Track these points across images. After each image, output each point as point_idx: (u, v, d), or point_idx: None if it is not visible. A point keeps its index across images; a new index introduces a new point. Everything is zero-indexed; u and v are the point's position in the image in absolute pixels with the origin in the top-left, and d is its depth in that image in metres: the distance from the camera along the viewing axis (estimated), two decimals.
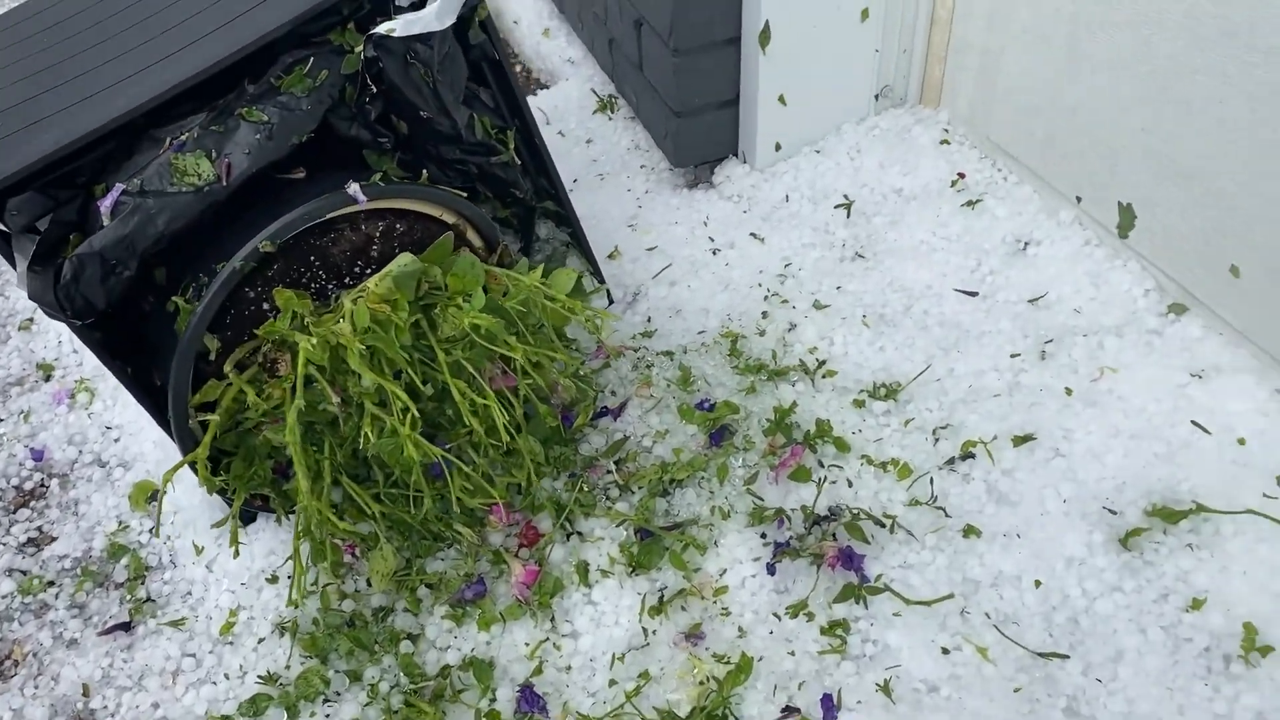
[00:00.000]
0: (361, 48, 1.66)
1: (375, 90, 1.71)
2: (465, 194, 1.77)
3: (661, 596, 1.71)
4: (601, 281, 2.19)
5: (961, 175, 2.34)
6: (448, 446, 1.76)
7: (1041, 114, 2.16)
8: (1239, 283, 1.82)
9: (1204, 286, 1.90)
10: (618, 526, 1.80)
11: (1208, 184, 1.81)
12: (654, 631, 1.68)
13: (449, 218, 1.77)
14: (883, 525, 1.75)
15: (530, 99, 2.98)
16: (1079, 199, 2.14)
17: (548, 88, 3.09)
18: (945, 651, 1.59)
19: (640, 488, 1.85)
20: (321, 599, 1.79)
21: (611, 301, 2.23)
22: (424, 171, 1.76)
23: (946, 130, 2.46)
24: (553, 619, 1.72)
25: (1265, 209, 1.72)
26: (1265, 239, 1.74)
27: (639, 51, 2.59)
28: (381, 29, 1.64)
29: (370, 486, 1.79)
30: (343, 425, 1.69)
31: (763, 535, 1.77)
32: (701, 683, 1.60)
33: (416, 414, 1.62)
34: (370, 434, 1.62)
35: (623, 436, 1.93)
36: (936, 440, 1.87)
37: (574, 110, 2.91)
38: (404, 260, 1.62)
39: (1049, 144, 2.17)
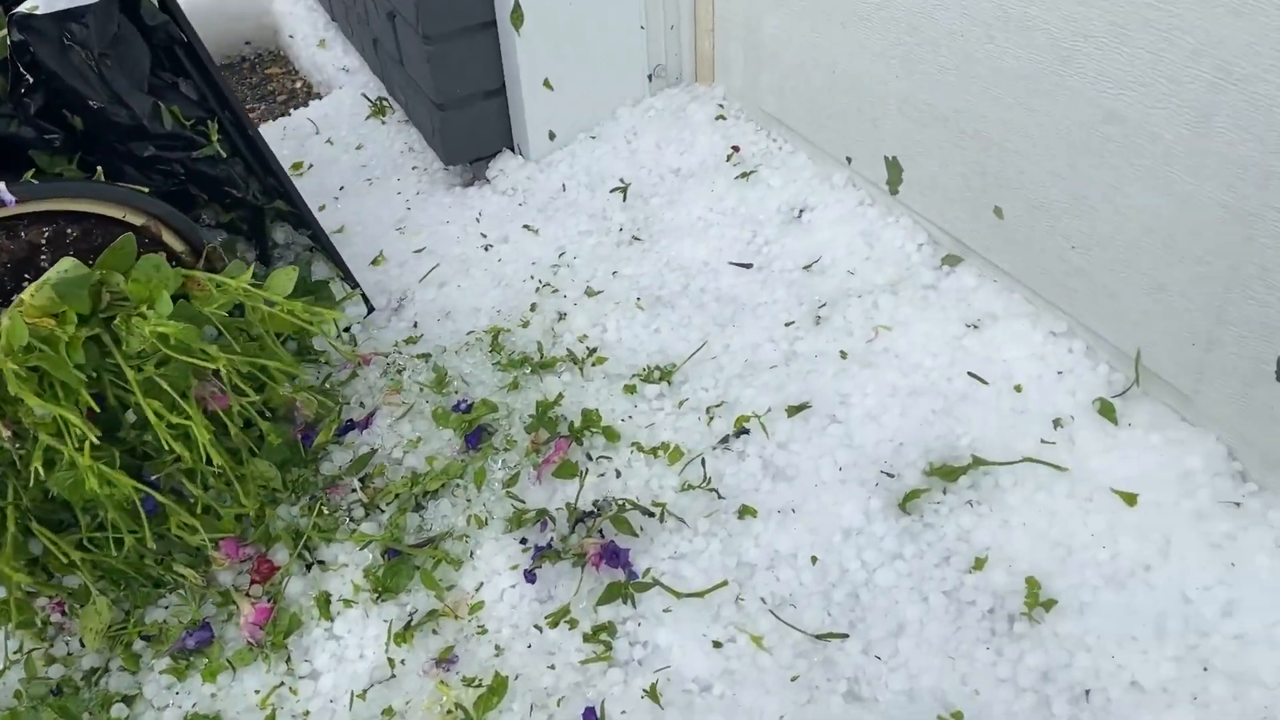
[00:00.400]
0: (5, 31, 1.45)
1: (32, 80, 1.50)
2: (149, 191, 1.56)
3: (410, 621, 1.52)
4: (354, 286, 2.00)
5: (736, 149, 2.24)
6: (154, 478, 1.54)
7: (804, 77, 2.07)
8: (1004, 225, 1.74)
9: (973, 234, 1.82)
10: (363, 549, 1.61)
11: (962, 125, 1.74)
12: (402, 661, 1.49)
13: (135, 219, 1.56)
14: (652, 515, 1.60)
15: (302, 110, 2.79)
16: (849, 160, 2.05)
17: (321, 98, 2.90)
18: (718, 645, 1.45)
19: (389, 504, 1.66)
20: (26, 667, 1.55)
21: (372, 309, 2.05)
22: (98, 169, 1.56)
23: (722, 105, 2.36)
24: (289, 660, 1.51)
25: (1015, 142, 1.64)
26: (1019, 174, 1.66)
27: (397, 46, 2.43)
28: (24, 7, 1.44)
29: (74, 532, 1.56)
30: (20, 464, 1.47)
31: (523, 541, 1.60)
32: (449, 711, 1.42)
33: (95, 440, 1.40)
34: (41, 469, 1.40)
35: (370, 450, 1.74)
36: (711, 419, 1.74)
37: (346, 118, 2.73)
38: (64, 266, 1.41)
39: (815, 107, 2.08)
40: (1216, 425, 1.50)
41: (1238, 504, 1.44)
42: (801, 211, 2.08)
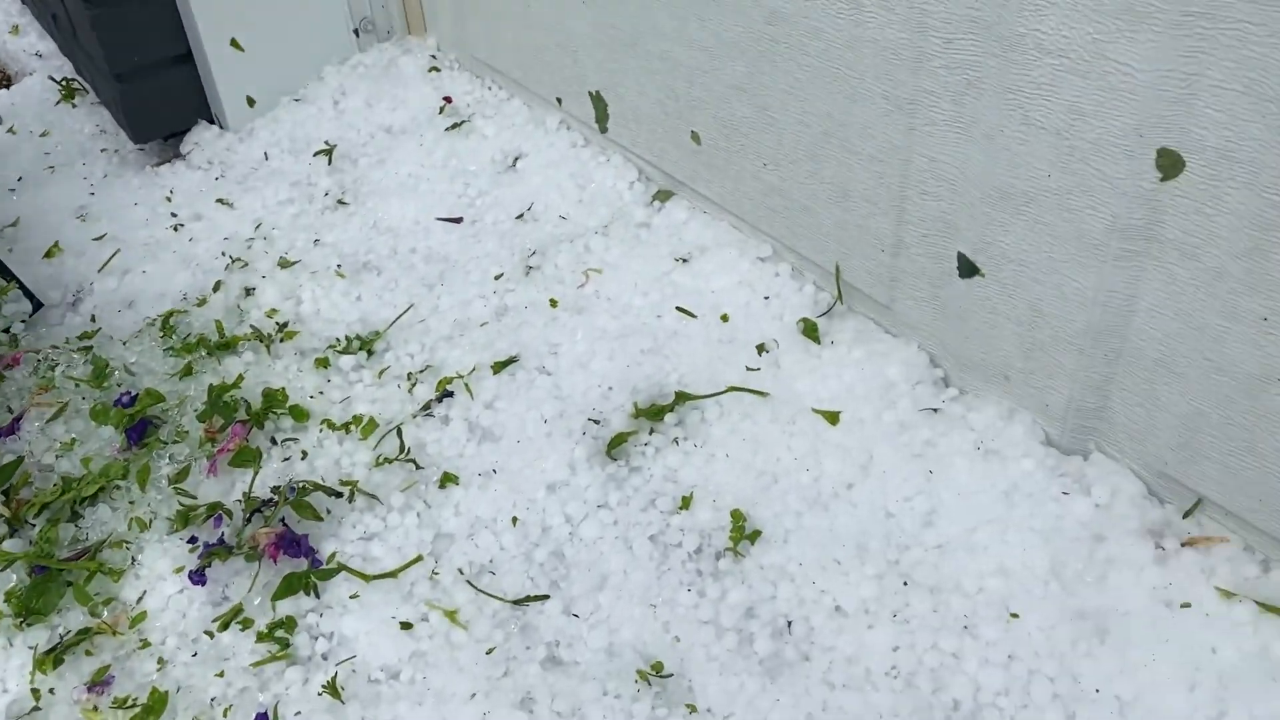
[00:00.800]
0: None
1: None
2: None
3: (58, 645, 1.33)
4: (9, 279, 1.77)
5: (449, 100, 2.10)
6: None
7: (508, 19, 1.94)
8: (703, 150, 1.65)
9: (678, 164, 1.73)
10: (6, 570, 1.40)
11: (648, 47, 1.64)
12: (50, 690, 1.30)
13: None
14: (340, 495, 1.45)
15: None
16: (560, 100, 1.94)
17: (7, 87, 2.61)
18: (407, 626, 1.31)
19: (37, 516, 1.46)
20: None
21: (39, 305, 1.82)
22: None
23: (435, 57, 2.21)
24: None
25: (696, 58, 1.55)
26: (705, 92, 1.57)
27: (68, 16, 2.18)
28: None
29: None
30: None
31: (192, 540, 1.42)
32: None
33: None
34: None
35: (15, 458, 1.52)
36: (414, 385, 1.60)
37: (34, 104, 2.45)
38: None
39: (520, 49, 1.95)
40: (915, 332, 1.45)
41: (935, 410, 1.38)
42: (516, 159, 1.95)
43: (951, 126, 1.23)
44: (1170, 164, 1.03)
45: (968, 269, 1.31)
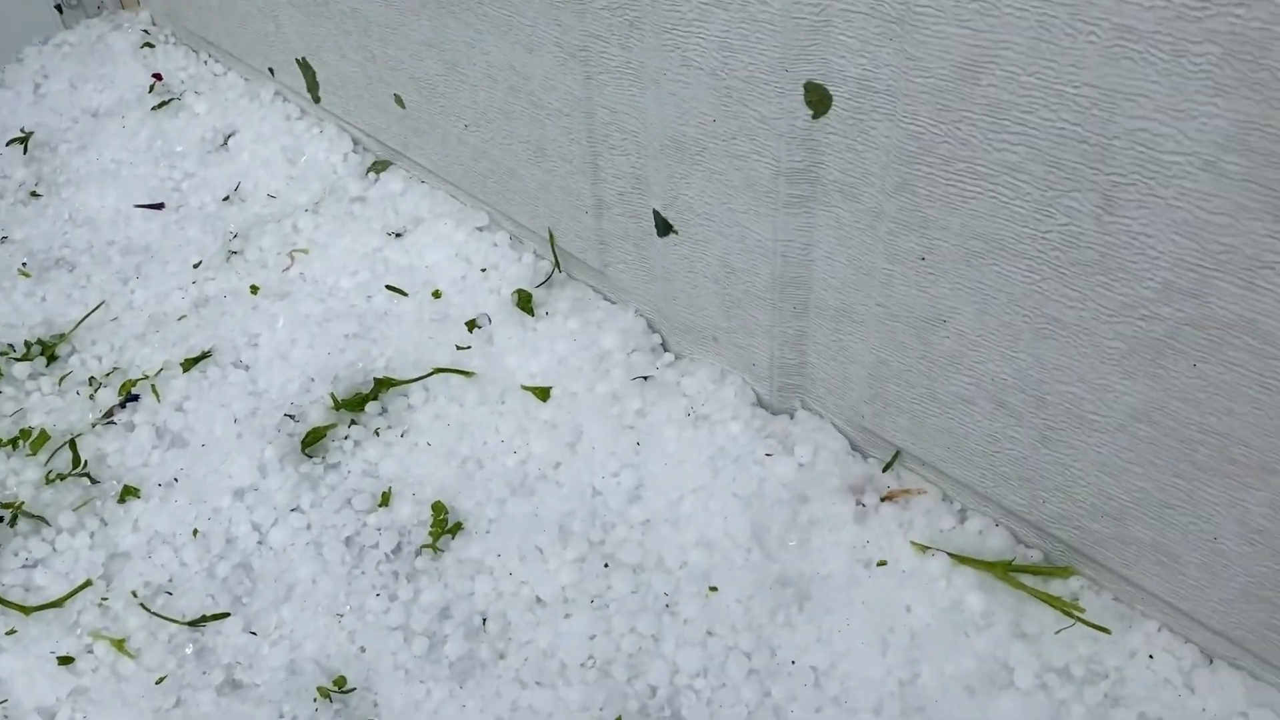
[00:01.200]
0: None
1: None
2: None
3: None
4: None
5: (159, 77, 1.92)
6: None
7: None
8: (408, 114, 1.53)
9: (388, 131, 1.60)
10: None
11: (340, 6, 1.50)
12: None
13: None
14: (0, 520, 1.28)
15: None
16: (272, 71, 1.79)
17: None
18: (67, 661, 1.16)
19: None
20: None
21: None
22: None
23: (148, 32, 2.03)
24: None
25: (384, 14, 1.43)
26: (399, 51, 1.45)
27: None
28: None
29: None
30: None
31: None
32: None
33: None
34: None
35: None
36: (96, 391, 1.43)
37: None
38: None
39: (227, 17, 1.79)
40: (631, 297, 1.37)
41: (648, 378, 1.31)
42: (229, 136, 1.79)
43: (624, 73, 1.14)
44: (819, 99, 0.96)
45: (663, 226, 1.23)
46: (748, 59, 0.99)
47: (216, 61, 1.93)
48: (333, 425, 1.34)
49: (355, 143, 1.69)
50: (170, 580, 1.23)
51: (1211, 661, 0.97)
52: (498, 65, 1.30)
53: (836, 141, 0.98)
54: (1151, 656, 0.98)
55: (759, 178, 1.06)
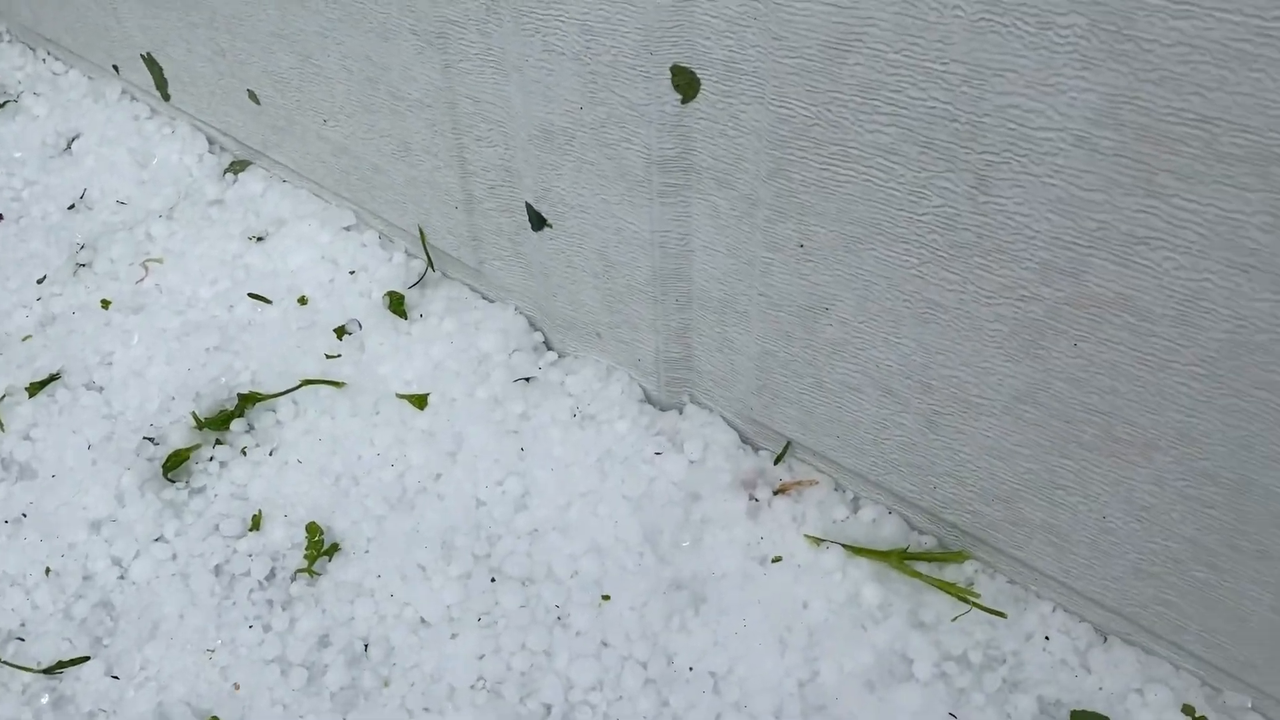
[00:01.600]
0: None
1: None
2: None
3: None
4: None
5: None
6: None
7: None
8: (264, 111, 1.44)
9: (245, 128, 1.51)
10: None
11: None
12: None
13: None
14: None
15: None
16: (116, 68, 1.67)
17: None
18: None
19: None
20: None
21: None
22: None
23: None
24: None
25: (232, 5, 1.34)
26: (249, 44, 1.36)
27: None
28: None
29: None
30: None
31: None
32: None
33: None
34: None
35: None
36: None
37: None
38: None
39: (64, 10, 1.67)
40: (510, 295, 1.31)
41: (530, 379, 1.25)
42: (73, 140, 1.67)
43: (485, 60, 1.08)
44: (686, 83, 0.92)
45: (537, 220, 1.17)
46: (611, 42, 0.94)
47: (56, 59, 1.80)
48: (196, 446, 1.25)
49: (211, 142, 1.59)
50: (22, 625, 1.14)
51: (1106, 639, 0.97)
52: (352, 56, 1.23)
53: (708, 127, 0.93)
54: (1048, 638, 0.97)
55: (631, 167, 1.01)
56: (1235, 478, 0.78)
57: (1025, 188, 0.75)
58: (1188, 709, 0.91)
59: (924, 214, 0.82)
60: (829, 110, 0.83)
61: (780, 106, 0.86)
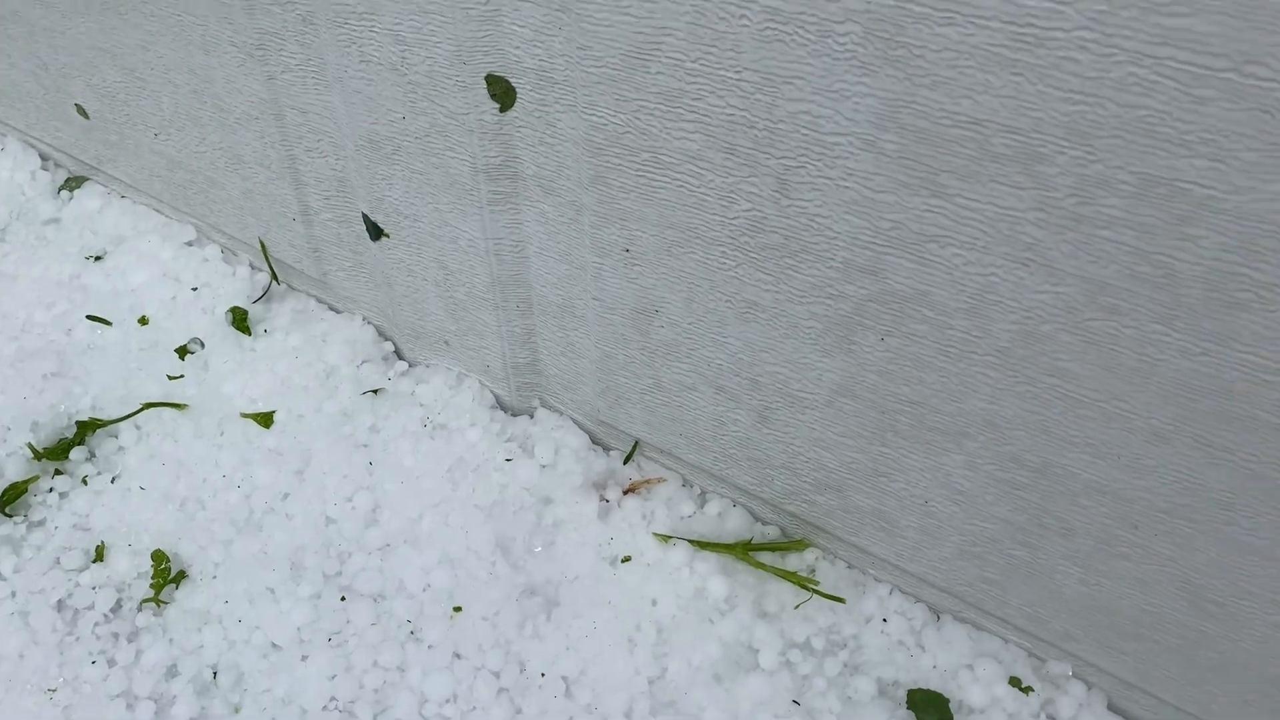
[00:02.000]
0: None
1: None
2: None
3: None
4: None
5: None
6: None
7: None
8: (94, 125, 1.39)
9: (77, 144, 1.46)
10: None
11: (10, 7, 1.35)
12: None
13: None
14: None
15: None
16: None
17: None
18: None
19: None
20: None
21: None
22: None
23: None
24: None
25: (49, 18, 1.29)
26: (71, 56, 1.31)
27: None
28: None
29: None
30: None
31: None
32: None
33: None
34: None
35: None
36: None
37: None
38: None
39: None
40: (357, 305, 1.30)
41: (378, 391, 1.24)
42: None
43: (306, 71, 1.06)
44: (503, 92, 0.92)
45: (374, 230, 1.16)
46: (425, 52, 0.93)
47: None
48: (34, 478, 1.21)
49: (44, 159, 1.53)
50: None
51: (939, 618, 1.00)
52: (175, 69, 1.19)
53: (528, 135, 0.93)
54: (885, 620, 1.00)
55: (458, 175, 1.01)
56: (1038, 460, 0.82)
57: (823, 190, 0.77)
58: (1014, 681, 0.95)
59: (735, 217, 0.84)
60: (638, 118, 0.83)
61: (592, 115, 0.86)
